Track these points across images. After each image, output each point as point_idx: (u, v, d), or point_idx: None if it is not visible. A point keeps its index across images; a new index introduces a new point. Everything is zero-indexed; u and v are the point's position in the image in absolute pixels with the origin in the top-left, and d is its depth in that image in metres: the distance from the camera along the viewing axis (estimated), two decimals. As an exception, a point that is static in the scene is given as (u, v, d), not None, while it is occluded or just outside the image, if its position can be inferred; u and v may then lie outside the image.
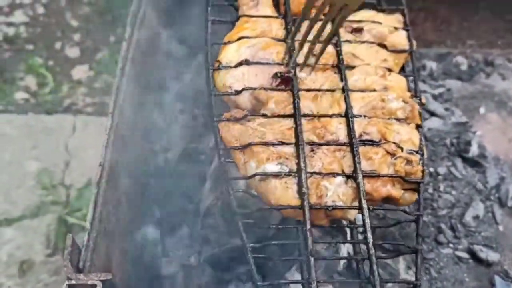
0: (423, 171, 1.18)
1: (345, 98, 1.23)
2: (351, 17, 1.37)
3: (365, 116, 1.21)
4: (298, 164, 1.14)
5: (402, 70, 1.36)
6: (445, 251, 1.62)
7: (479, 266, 1.61)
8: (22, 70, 2.91)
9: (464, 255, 1.61)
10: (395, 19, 1.39)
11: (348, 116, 1.20)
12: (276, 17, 1.35)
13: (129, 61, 1.37)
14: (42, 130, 2.74)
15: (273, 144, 1.17)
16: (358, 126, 1.20)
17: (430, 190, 1.71)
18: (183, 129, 1.68)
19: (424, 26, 2.03)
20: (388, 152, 1.16)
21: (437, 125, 1.84)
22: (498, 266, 1.61)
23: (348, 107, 1.21)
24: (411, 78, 1.33)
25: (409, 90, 1.30)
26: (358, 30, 1.32)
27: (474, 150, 1.77)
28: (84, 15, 3.10)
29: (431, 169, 1.74)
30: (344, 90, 1.24)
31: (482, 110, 1.95)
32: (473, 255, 1.62)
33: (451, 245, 1.63)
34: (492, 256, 1.60)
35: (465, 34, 2.10)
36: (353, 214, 1.14)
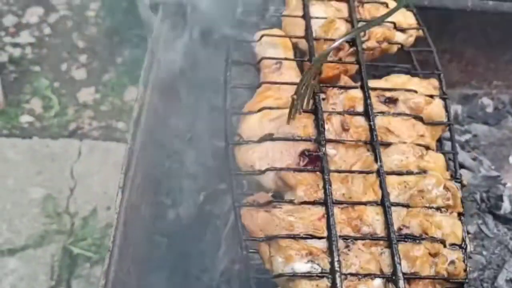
0: (466, 270, 1.00)
1: (380, 183, 1.04)
2: (383, 84, 1.19)
3: (403, 205, 1.02)
4: (331, 263, 0.95)
5: (438, 140, 1.18)
6: (478, 319, 1.44)
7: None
8: (27, 92, 2.72)
9: (498, 323, 1.43)
10: (431, 85, 1.20)
11: (385, 205, 1.02)
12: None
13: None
14: (47, 155, 2.56)
15: (302, 238, 0.98)
16: (397, 217, 1.01)
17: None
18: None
19: (449, 67, 1.84)
20: (429, 252, 0.97)
21: (466, 178, 1.63)
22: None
23: (385, 193, 1.03)
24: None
25: (447, 169, 1.11)
26: (393, 101, 1.13)
27: (506, 207, 1.58)
28: (91, 36, 2.90)
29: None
30: (380, 173, 1.05)
31: (511, 159, 1.77)
32: (507, 323, 1.43)
33: (483, 312, 1.45)
34: (526, 324, 1.42)
35: (491, 75, 1.92)
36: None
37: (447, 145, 1.24)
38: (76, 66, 2.82)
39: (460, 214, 1.06)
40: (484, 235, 1.56)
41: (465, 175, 1.65)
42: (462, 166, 1.67)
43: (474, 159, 1.73)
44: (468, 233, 1.53)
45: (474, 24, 1.79)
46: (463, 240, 1.03)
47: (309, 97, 1.10)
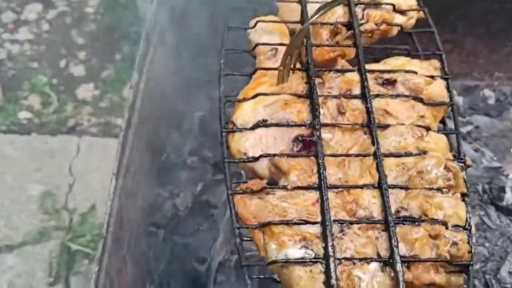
0: (471, 251, 0.96)
1: (377, 165, 1.01)
2: (381, 66, 1.16)
3: (401, 187, 0.99)
4: (325, 248, 0.92)
5: (442, 122, 1.14)
6: (480, 311, 1.41)
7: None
8: (25, 89, 2.70)
9: (500, 315, 1.40)
10: (432, 66, 1.17)
11: (382, 187, 0.99)
12: (298, 69, 1.13)
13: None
14: (45, 151, 2.54)
15: (295, 223, 0.95)
16: (394, 199, 0.98)
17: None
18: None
19: (449, 58, 1.81)
20: (430, 234, 0.94)
21: (468, 169, 1.61)
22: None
23: (382, 176, 1.00)
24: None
25: (451, 149, 1.08)
26: (391, 83, 1.10)
27: (508, 198, 1.55)
28: (90, 32, 2.88)
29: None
30: (376, 155, 1.02)
31: (514, 150, 1.74)
32: (510, 315, 1.40)
33: (485, 304, 1.42)
34: (530, 316, 1.39)
35: (493, 66, 1.89)
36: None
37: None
38: (75, 62, 2.80)
39: (463, 195, 1.02)
40: (487, 226, 1.53)
41: (468, 168, 1.63)
42: (464, 156, 1.65)
43: (476, 150, 1.71)
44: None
45: (475, 12, 1.76)
46: (467, 221, 1.00)
47: (295, 64, 1.08)
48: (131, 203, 1.16)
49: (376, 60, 1.20)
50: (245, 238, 0.98)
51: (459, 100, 1.85)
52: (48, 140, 2.57)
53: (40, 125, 2.60)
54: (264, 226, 0.96)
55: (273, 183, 1.03)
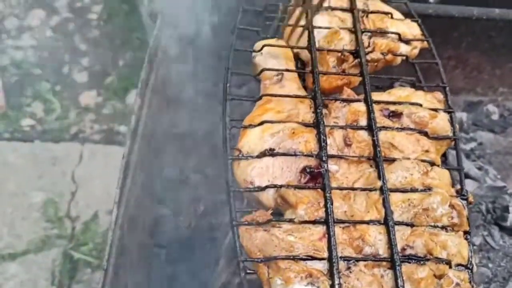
0: (472, 291, 0.95)
1: (383, 201, 0.99)
2: (386, 97, 1.14)
3: (407, 224, 0.97)
4: (332, 286, 0.91)
5: (443, 155, 1.13)
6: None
7: None
8: (29, 95, 2.68)
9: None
10: (435, 98, 1.15)
11: (388, 224, 0.97)
12: (304, 97, 1.11)
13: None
14: (48, 159, 2.52)
15: (302, 259, 0.93)
16: (401, 236, 0.97)
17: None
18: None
19: (453, 73, 1.79)
20: (434, 274, 0.93)
21: (471, 188, 1.58)
22: None
23: (388, 212, 0.98)
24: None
25: (452, 185, 1.06)
26: (397, 115, 1.09)
27: (512, 218, 1.53)
28: (93, 38, 2.86)
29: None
30: (383, 190, 1.00)
31: (518, 168, 1.71)
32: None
33: (489, 328, 1.39)
34: None
35: (497, 81, 1.87)
36: None
37: (452, 155, 1.19)
38: (77, 69, 2.78)
39: (466, 233, 1.01)
40: (490, 247, 1.50)
41: (471, 185, 1.60)
42: (467, 176, 1.62)
43: (480, 168, 1.67)
44: (473, 245, 1.48)
45: (479, 29, 1.74)
46: (469, 260, 0.98)
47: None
48: (132, 228, 1.14)
49: (379, 88, 1.18)
50: (249, 271, 0.96)
51: (463, 116, 1.82)
52: (51, 147, 2.55)
53: (43, 132, 2.58)
54: (269, 260, 0.94)
55: (278, 214, 1.01)
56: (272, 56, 1.19)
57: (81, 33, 2.86)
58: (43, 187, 2.44)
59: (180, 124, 1.36)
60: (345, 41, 1.18)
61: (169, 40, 1.30)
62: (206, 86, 1.32)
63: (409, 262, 0.95)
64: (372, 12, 1.24)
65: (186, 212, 1.40)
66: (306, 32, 1.20)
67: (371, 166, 1.05)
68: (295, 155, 1.03)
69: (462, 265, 0.97)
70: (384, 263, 0.95)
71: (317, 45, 1.18)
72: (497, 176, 1.67)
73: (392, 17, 1.25)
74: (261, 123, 1.07)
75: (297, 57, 1.22)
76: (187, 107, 1.33)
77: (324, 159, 1.02)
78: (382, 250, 0.96)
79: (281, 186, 1.00)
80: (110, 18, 2.90)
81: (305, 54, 1.20)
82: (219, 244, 1.36)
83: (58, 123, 2.61)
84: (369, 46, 1.18)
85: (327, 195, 0.99)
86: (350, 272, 0.94)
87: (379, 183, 1.01)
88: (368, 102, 1.09)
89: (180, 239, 1.39)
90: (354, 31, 1.19)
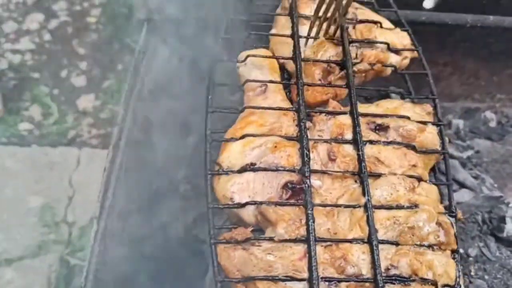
0: (459, 313, 0.91)
1: (367, 218, 0.95)
2: (373, 109, 1.10)
3: (392, 243, 0.94)
4: (311, 308, 0.87)
5: (432, 170, 1.09)
6: None
7: None
8: (27, 99, 2.65)
9: None
10: (424, 111, 1.11)
11: (372, 242, 0.93)
12: (287, 109, 1.07)
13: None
14: (45, 163, 2.49)
15: (281, 280, 0.90)
16: (385, 256, 0.93)
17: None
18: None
19: (450, 80, 1.74)
20: (420, 295, 0.89)
21: (467, 198, 1.53)
22: None
23: (372, 231, 0.94)
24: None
25: (441, 200, 1.02)
26: (383, 128, 1.05)
27: (509, 229, 1.46)
28: (91, 42, 2.83)
29: (461, 251, 1.43)
30: (367, 207, 0.96)
31: (515, 177, 1.66)
32: None
33: None
34: None
35: (495, 88, 1.81)
36: None
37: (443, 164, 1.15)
38: (76, 73, 2.75)
39: (454, 252, 0.97)
40: (486, 258, 1.45)
41: (467, 195, 1.55)
42: (463, 185, 1.57)
43: (476, 177, 1.62)
44: (469, 256, 1.44)
45: (475, 35, 1.69)
46: (456, 280, 0.94)
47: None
48: (115, 243, 1.11)
49: (367, 99, 1.14)
50: (227, 291, 0.93)
51: (460, 123, 1.77)
52: (48, 152, 2.53)
53: (40, 137, 2.56)
54: (247, 280, 0.91)
55: (260, 230, 0.98)
56: (256, 67, 1.15)
57: (79, 37, 2.83)
58: (40, 192, 2.42)
59: (166, 134, 1.33)
60: (331, 52, 1.14)
61: (155, 48, 1.26)
62: (194, 97, 1.28)
63: (393, 283, 0.91)
64: (360, 22, 1.20)
65: (170, 225, 1.37)
66: (292, 42, 1.16)
67: (356, 181, 1.01)
68: (277, 170, 1.00)
69: (449, 286, 0.94)
70: (367, 284, 0.91)
71: (302, 56, 1.14)
72: (494, 185, 1.62)
73: (381, 27, 1.20)
74: (243, 137, 1.03)
75: (282, 68, 1.18)
76: (174, 117, 1.30)
77: (306, 174, 0.98)
78: (365, 270, 0.92)
79: (261, 203, 0.97)
80: (109, 22, 2.87)
81: (291, 65, 1.16)
82: (207, 257, 1.32)
83: (56, 127, 2.59)
84: (356, 57, 1.13)
85: (309, 212, 0.95)
86: (331, 293, 0.90)
87: (363, 200, 0.97)
88: (354, 115, 1.05)
89: (167, 252, 1.35)
90: (341, 41, 1.15)
